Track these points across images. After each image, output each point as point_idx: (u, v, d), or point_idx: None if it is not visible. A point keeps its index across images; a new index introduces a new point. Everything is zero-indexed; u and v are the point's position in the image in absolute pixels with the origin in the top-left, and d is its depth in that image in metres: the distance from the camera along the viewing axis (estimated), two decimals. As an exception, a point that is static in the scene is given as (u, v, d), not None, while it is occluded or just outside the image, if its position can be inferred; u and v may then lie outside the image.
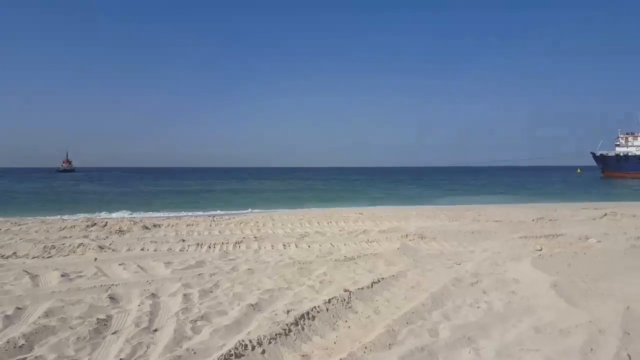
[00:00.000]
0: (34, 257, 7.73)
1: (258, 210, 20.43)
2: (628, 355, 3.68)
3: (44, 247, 8.43)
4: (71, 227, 11.41)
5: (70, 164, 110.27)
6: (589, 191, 38.86)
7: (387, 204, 25.10)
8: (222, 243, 9.26)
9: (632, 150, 68.55)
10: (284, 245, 9.13)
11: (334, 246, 9.08)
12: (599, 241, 9.05)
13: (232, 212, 19.80)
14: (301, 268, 6.89)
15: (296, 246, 9.08)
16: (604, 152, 71.31)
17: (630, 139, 69.77)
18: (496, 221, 12.82)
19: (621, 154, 69.17)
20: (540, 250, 8.28)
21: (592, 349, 3.79)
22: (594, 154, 72.84)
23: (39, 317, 4.50)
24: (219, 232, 11.14)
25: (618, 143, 70.87)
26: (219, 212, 19.94)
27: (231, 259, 7.71)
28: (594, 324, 4.32)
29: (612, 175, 68.38)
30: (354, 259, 7.53)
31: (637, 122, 70.69)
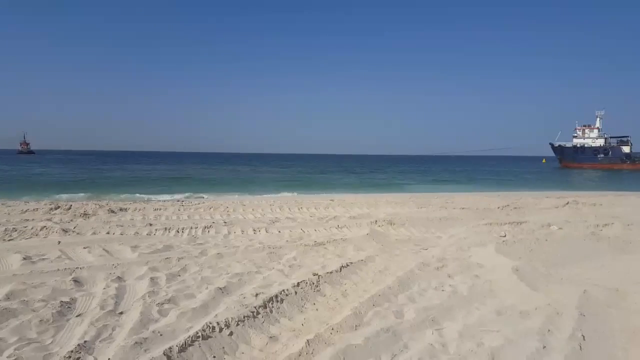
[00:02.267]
0: (-6, 240, 7.48)
1: (227, 196, 20.24)
2: (582, 335, 3.85)
3: (5, 229, 8.15)
4: (34, 210, 11.07)
5: (28, 146, 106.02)
6: (550, 180, 40.13)
7: (359, 191, 25.28)
8: (191, 227, 9.16)
9: (588, 142, 70.84)
10: (254, 230, 9.10)
11: (304, 231, 9.11)
12: (560, 228, 9.37)
13: (203, 195, 19.58)
14: (271, 253, 6.90)
15: (266, 231, 9.07)
16: (562, 143, 73.48)
17: (587, 130, 71.96)
18: (463, 208, 13.09)
19: (578, 145, 71.42)
20: (504, 236, 8.51)
21: (549, 330, 3.94)
22: (552, 145, 74.94)
23: (-1, 300, 4.38)
24: (187, 216, 11.02)
25: (575, 135, 73.03)
26: (187, 195, 19.70)
27: (200, 244, 7.65)
28: (552, 306, 4.50)
29: (569, 165, 70.62)
30: (324, 244, 7.59)
31: (593, 115, 72.51)
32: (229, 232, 8.87)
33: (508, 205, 13.87)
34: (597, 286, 5.25)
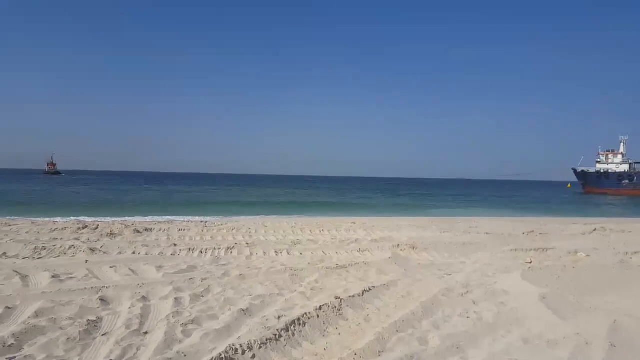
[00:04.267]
0: (24, 258, 7.68)
1: (249, 217, 20.38)
2: (614, 367, 3.74)
3: (35, 248, 8.38)
4: (62, 229, 11.35)
5: (55, 166, 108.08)
6: (575, 206, 39.35)
7: (381, 213, 25.17)
8: (214, 248, 9.25)
9: (612, 167, 69.31)
10: (276, 252, 9.13)
11: (325, 254, 9.09)
12: (588, 255, 9.14)
13: (225, 217, 19.77)
14: (293, 275, 6.91)
15: (288, 253, 9.08)
16: (585, 169, 72.05)
17: (610, 156, 70.46)
18: (487, 233, 12.90)
19: (601, 171, 69.88)
20: (530, 263, 8.35)
21: (578, 361, 3.84)
22: (575, 170, 73.55)
23: (28, 317, 4.48)
24: (211, 237, 11.12)
25: (599, 160, 71.55)
26: (210, 217, 19.91)
27: (223, 265, 7.71)
28: (581, 336, 4.38)
29: (592, 191, 69.06)
30: (346, 267, 7.56)
31: (617, 140, 71.19)
32: (251, 254, 8.91)
33: (533, 231, 13.62)
34: (628, 316, 5.10)
